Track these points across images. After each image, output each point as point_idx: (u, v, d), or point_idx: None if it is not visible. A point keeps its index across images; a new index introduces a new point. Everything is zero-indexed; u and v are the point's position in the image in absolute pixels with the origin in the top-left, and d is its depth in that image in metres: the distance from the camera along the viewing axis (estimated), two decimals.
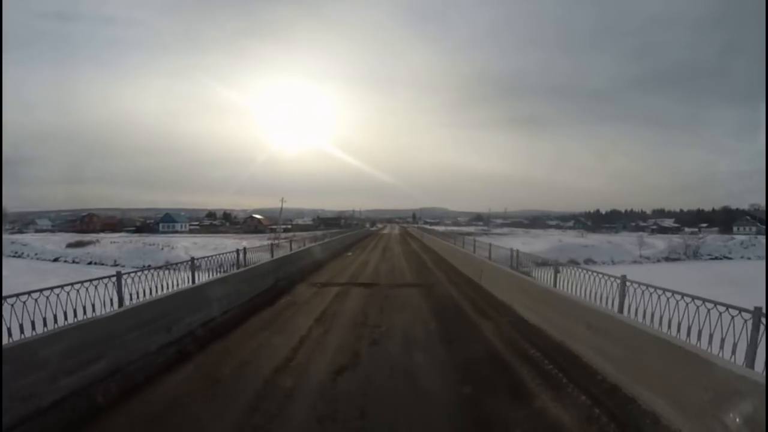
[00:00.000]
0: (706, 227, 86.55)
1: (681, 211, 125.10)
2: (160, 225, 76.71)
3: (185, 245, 38.97)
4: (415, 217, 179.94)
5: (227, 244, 38.36)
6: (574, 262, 37.06)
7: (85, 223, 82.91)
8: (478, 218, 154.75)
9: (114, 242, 45.82)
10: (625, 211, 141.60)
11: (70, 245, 47.93)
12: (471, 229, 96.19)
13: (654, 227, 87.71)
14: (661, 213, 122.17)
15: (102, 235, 68.97)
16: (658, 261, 43.76)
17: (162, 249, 37.08)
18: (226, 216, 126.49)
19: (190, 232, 71.19)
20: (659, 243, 49.62)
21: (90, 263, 38.97)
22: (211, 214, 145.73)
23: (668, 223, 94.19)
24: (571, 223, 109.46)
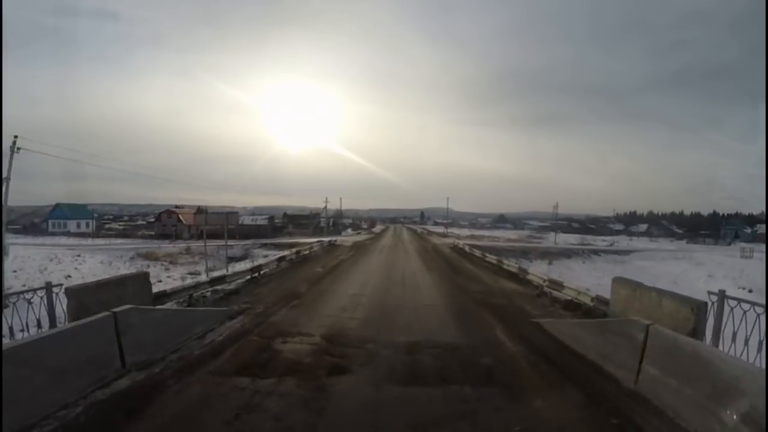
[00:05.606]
0: None
1: (738, 213, 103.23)
2: (49, 222, 50.47)
3: None
4: (423, 216, 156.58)
5: None
6: None
7: None
8: (501, 219, 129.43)
9: None
10: (660, 213, 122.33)
11: None
12: (510, 234, 70.10)
13: None
14: (700, 216, 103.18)
15: None
16: None
17: None
18: (200, 212, 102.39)
19: (99, 234, 45.66)
20: None
21: None
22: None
23: None
24: (641, 228, 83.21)
